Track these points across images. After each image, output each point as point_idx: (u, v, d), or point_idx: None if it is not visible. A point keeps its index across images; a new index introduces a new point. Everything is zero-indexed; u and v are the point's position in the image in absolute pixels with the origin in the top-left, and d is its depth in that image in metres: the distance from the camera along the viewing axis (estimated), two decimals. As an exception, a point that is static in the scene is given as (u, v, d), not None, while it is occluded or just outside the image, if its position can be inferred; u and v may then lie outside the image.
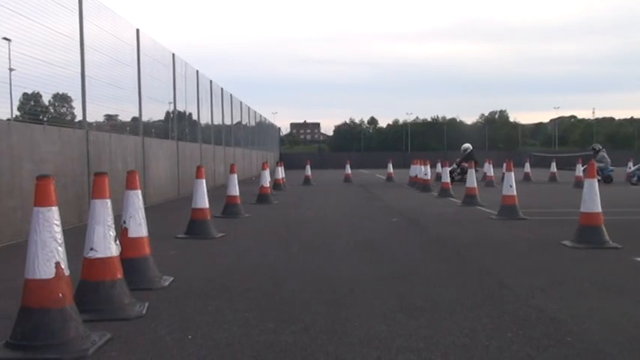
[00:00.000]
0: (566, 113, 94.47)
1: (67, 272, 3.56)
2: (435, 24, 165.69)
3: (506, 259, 6.73)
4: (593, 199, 7.51)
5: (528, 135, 76.91)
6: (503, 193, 10.88)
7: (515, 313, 4.38)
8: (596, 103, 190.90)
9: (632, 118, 72.82)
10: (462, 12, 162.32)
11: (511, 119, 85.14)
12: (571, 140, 74.37)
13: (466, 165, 22.63)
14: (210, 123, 21.82)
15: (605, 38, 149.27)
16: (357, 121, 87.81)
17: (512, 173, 10.88)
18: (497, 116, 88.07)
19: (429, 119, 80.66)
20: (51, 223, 3.51)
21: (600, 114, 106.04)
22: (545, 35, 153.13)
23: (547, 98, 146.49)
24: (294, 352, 3.55)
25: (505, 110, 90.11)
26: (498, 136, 69.08)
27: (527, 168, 26.21)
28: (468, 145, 23.24)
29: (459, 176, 22.63)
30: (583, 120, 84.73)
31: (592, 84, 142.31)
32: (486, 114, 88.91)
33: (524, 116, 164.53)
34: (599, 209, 7.49)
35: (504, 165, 11.09)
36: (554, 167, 26.12)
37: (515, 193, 10.76)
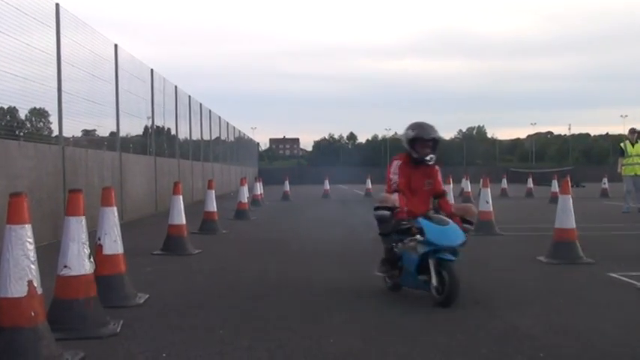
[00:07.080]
0: (543, 129, 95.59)
1: (39, 290, 3.53)
2: (413, 40, 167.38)
3: (482, 275, 6.78)
4: (567, 215, 7.60)
5: (506, 151, 77.57)
6: (480, 209, 10.97)
7: (489, 329, 4.41)
8: (572, 119, 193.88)
9: (607, 134, 73.94)
10: (439, 28, 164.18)
11: (489, 135, 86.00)
12: (548, 156, 75.21)
13: None
14: (188, 138, 21.76)
15: (581, 55, 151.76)
16: (336, 136, 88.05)
17: (489, 189, 10.98)
18: (475, 132, 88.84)
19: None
20: (23, 240, 3.48)
21: (576, 130, 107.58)
22: (522, 52, 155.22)
23: (524, 114, 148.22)
24: (269, 369, 3.54)
25: (483, 126, 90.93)
26: (476, 152, 69.60)
27: (504, 184, 26.43)
28: None
29: None
30: (559, 136, 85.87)
31: (568, 100, 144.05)
32: (464, 130, 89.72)
33: (501, 132, 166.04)
34: (573, 225, 7.59)
35: (481, 181, 11.16)
36: (530, 183, 26.40)
37: (491, 209, 10.85)
